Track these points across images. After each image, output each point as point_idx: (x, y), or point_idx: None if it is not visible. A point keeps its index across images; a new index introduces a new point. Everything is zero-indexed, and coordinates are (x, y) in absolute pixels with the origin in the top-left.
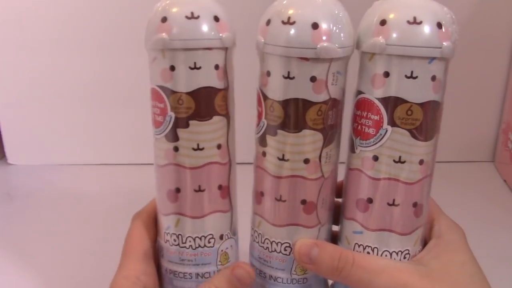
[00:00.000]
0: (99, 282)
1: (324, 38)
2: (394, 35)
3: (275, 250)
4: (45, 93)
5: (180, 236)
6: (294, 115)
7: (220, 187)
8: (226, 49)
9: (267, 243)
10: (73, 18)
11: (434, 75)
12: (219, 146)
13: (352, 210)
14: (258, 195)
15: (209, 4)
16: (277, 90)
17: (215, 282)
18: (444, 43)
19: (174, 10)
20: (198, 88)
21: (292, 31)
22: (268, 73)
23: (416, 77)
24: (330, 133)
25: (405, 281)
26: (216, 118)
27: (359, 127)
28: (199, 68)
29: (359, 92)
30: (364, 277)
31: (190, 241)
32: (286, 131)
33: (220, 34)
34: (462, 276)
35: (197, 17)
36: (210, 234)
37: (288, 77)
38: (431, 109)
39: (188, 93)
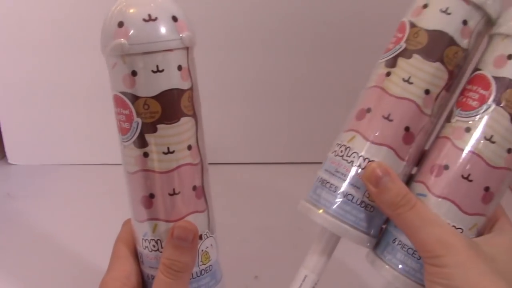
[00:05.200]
0: (100, 282)
1: None
2: None
3: (360, 165)
4: (45, 93)
5: (159, 241)
6: (436, 44)
7: (194, 187)
8: (187, 48)
9: (353, 157)
10: (73, 18)
11: None
12: (189, 147)
13: (424, 174)
14: (363, 112)
15: (167, 4)
16: (431, 21)
17: (164, 255)
18: None
19: (130, 13)
20: (163, 91)
21: None
22: (425, 6)
23: None
24: None
25: (453, 242)
26: (184, 120)
27: (464, 99)
28: (162, 70)
29: (476, 69)
30: (415, 222)
31: None
32: (422, 57)
33: (180, 34)
34: (509, 264)
35: (155, 19)
36: None
37: (445, 11)
38: None
39: (153, 97)
